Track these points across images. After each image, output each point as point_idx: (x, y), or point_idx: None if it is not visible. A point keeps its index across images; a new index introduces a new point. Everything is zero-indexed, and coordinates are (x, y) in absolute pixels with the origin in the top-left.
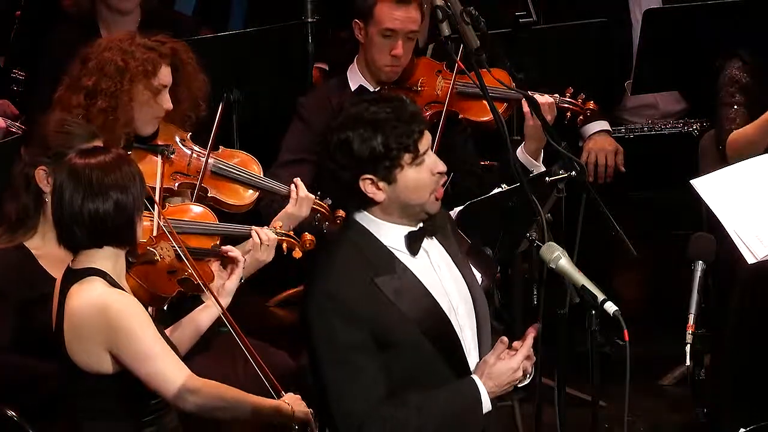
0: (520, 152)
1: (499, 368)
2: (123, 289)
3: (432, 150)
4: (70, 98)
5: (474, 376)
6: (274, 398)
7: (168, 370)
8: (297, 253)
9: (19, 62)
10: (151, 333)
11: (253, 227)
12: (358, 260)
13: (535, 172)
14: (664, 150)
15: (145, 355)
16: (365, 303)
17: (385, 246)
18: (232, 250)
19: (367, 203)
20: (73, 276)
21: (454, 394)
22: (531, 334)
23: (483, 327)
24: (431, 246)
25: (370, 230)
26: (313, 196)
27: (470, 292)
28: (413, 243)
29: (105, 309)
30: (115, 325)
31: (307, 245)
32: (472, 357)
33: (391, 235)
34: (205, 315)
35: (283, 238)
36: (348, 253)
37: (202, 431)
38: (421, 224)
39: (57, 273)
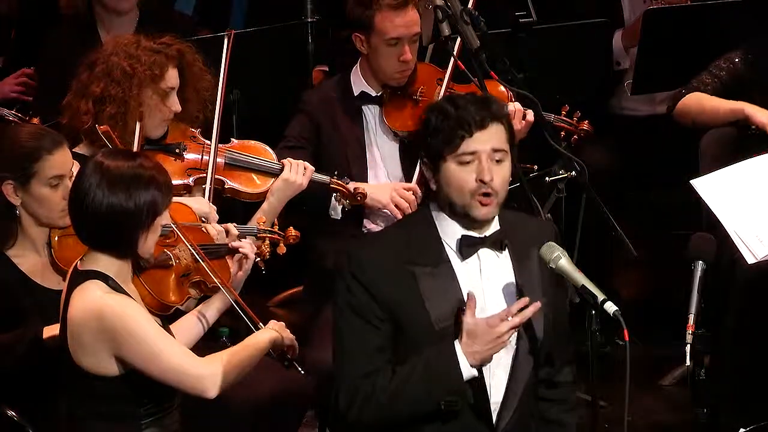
0: None
1: (482, 329)
2: (127, 294)
3: None
4: (78, 104)
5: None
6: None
7: (180, 364)
8: (281, 249)
9: (19, 63)
10: (153, 331)
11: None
12: (405, 243)
13: None
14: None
15: (152, 354)
16: (391, 285)
17: (441, 238)
18: (243, 246)
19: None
20: (78, 277)
21: (429, 358)
22: (519, 305)
23: (521, 352)
24: (491, 257)
25: (435, 220)
26: (306, 163)
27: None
28: (464, 247)
29: (101, 316)
30: (115, 330)
31: (291, 240)
32: (497, 376)
33: (450, 231)
34: (210, 311)
35: (265, 235)
36: (399, 233)
37: None
38: (486, 233)
39: (39, 279)
